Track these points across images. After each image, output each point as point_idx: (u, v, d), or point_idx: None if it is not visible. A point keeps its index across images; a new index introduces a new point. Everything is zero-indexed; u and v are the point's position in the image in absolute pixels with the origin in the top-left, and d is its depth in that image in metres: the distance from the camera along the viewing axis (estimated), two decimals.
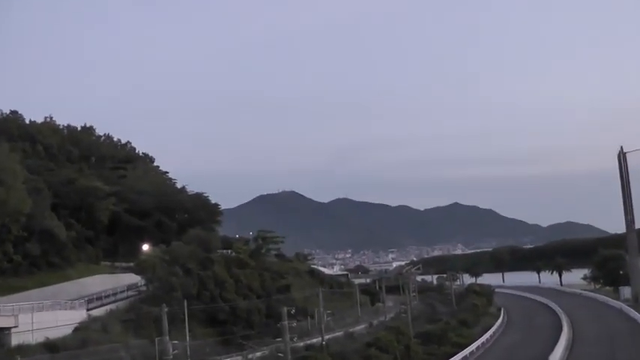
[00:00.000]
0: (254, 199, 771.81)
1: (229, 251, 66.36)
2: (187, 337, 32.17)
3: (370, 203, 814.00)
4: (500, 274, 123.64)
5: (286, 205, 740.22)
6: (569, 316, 47.98)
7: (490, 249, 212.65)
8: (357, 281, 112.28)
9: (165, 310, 25.40)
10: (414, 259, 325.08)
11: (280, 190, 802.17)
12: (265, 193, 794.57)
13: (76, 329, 34.27)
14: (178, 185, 79.43)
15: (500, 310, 58.87)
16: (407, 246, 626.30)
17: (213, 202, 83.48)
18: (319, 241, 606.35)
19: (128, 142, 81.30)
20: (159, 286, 44.99)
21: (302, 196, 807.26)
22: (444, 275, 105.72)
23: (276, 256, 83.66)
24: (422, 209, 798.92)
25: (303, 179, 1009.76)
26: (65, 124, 72.07)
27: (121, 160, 73.92)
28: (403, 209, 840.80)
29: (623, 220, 61.25)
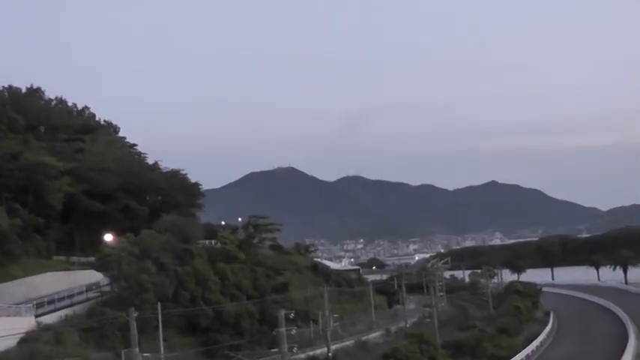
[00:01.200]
0: (243, 178, 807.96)
1: (213, 242, 66.70)
2: (162, 349, 30.80)
3: (387, 182, 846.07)
4: (549, 269, 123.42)
5: (284, 184, 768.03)
6: (638, 323, 46.73)
7: (536, 238, 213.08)
8: (370, 278, 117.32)
9: (135, 315, 24.13)
10: (442, 250, 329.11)
11: (276, 167, 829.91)
12: (257, 171, 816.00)
13: (21, 340, 31.91)
14: (150, 161, 79.09)
15: (548, 314, 58.22)
16: (432, 235, 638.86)
17: (192, 181, 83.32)
18: (324, 229, 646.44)
19: (86, 107, 79.58)
20: (126, 285, 44.25)
21: (303, 173, 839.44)
22: (479, 271, 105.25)
23: (271, 248, 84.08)
24: (450, 189, 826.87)
25: (304, 153, 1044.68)
26: (5, 85, 69.47)
27: (77, 131, 72.09)
28: (427, 190, 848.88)
29: None
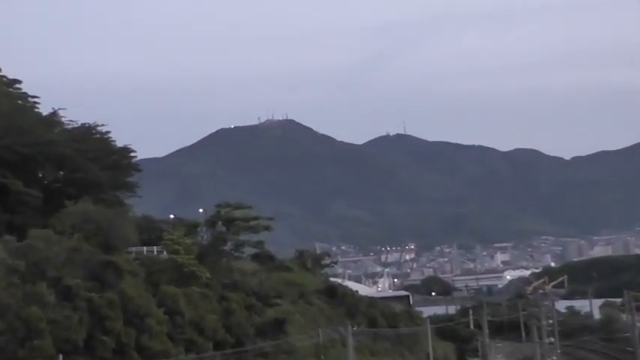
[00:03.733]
0: (207, 140, 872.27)
1: (156, 249, 68.42)
2: None
3: (451, 145, 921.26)
4: None
5: (277, 149, 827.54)
6: None
7: None
8: (428, 311, 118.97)
9: None
10: (551, 264, 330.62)
11: (263, 120, 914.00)
12: (231, 127, 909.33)
13: None
14: (44, 109, 77.91)
15: None
16: (533, 237, 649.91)
17: (120, 145, 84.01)
18: (347, 227, 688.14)
19: None
20: (3, 327, 42.76)
21: (308, 130, 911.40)
22: (617, 300, 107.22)
23: (255, 259, 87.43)
24: (566, 157, 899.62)
25: (310, 98, 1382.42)
26: None
27: None
28: (524, 157, 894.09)
29: None
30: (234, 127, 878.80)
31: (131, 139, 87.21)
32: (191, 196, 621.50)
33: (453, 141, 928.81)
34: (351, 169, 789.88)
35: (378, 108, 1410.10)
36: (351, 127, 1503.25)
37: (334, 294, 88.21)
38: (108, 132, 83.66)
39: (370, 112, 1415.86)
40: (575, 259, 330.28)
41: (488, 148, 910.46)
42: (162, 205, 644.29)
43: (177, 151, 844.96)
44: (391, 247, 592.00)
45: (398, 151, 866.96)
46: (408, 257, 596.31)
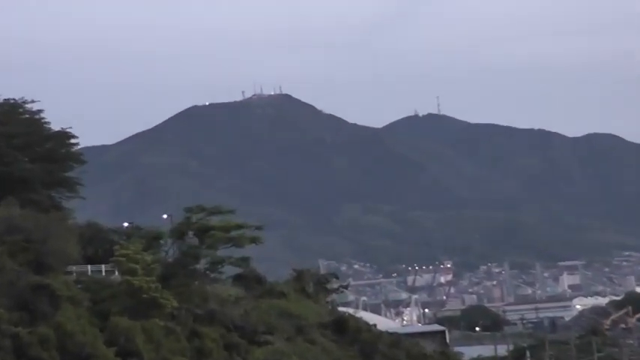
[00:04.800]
0: (175, 120, 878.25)
1: (105, 267, 69.49)
2: None
3: (502, 127, 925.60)
4: None
5: (268, 134, 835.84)
6: None
7: None
8: (470, 352, 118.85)
9: None
10: (638, 289, 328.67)
11: (249, 95, 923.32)
12: (206, 103, 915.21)
13: None
14: None
15: None
16: (613, 252, 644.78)
17: (56, 128, 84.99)
18: (362, 239, 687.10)
19: None
20: None
21: (310, 108, 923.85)
22: None
23: (237, 282, 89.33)
24: None
25: (312, 65, 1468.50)
26: None
27: None
28: (599, 143, 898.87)
29: None
30: (210, 105, 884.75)
31: (71, 121, 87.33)
32: (152, 197, 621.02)
33: (504, 123, 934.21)
34: (367, 162, 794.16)
35: (403, 79, 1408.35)
36: (367, 105, 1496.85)
37: (344, 329, 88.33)
38: (40, 111, 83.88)
39: (392, 84, 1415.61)
40: None
41: (552, 132, 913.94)
42: (114, 208, 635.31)
43: (134, 136, 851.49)
44: (420, 267, 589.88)
45: (429, 137, 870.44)
46: (443, 280, 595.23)
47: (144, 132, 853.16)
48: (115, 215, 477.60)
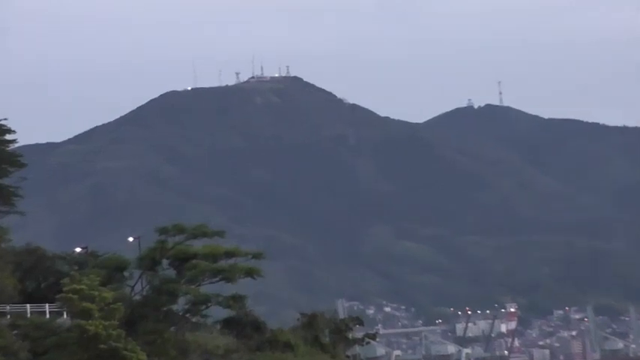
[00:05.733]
0: (146, 108, 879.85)
1: (50, 307, 69.89)
2: None
3: (586, 124, 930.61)
4: None
5: (270, 129, 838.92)
6: None
7: None
8: None
9: None
10: None
11: (245, 78, 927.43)
12: (186, 88, 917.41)
13: None
14: None
15: None
16: None
17: None
18: (397, 272, 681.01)
19: None
20: None
21: (327, 95, 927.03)
22: None
23: (227, 327, 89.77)
24: None
25: (330, 41, 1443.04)
26: None
27: None
28: None
29: None
30: (193, 90, 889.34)
31: (6, 112, 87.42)
32: (114, 213, 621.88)
33: (588, 119, 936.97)
34: (403, 169, 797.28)
35: (451, 58, 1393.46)
36: (404, 92, 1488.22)
37: None
38: None
39: (436, 65, 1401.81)
40: None
41: None
42: (62, 228, 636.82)
43: (90, 131, 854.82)
44: (474, 311, 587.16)
45: (487, 137, 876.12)
46: (504, 328, 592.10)
47: (104, 126, 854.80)
48: (63, 237, 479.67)
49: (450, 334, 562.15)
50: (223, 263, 78.83)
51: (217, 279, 78.16)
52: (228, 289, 79.96)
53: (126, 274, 77.11)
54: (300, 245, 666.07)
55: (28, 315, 68.75)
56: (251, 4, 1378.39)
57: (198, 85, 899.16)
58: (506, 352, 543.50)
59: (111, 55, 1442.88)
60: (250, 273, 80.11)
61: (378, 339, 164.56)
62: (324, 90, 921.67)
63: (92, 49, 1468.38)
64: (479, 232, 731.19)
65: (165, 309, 73.77)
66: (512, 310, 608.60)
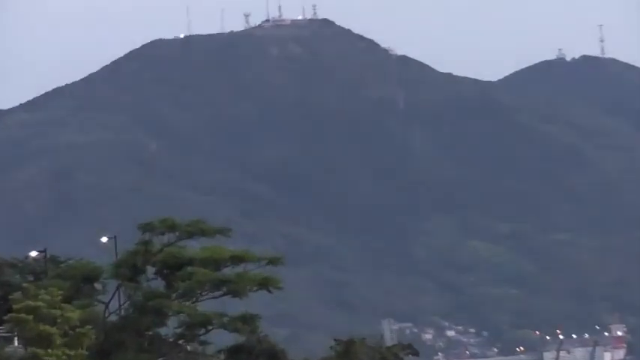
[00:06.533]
0: (123, 62, 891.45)
1: None
2: None
3: None
4: None
5: (291, 89, 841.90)
6: None
7: None
8: None
9: None
10: None
11: (258, 21, 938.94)
12: (178, 36, 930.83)
13: None
14: None
15: None
16: None
17: None
18: (461, 283, 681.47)
19: None
20: None
21: (369, 43, 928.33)
22: None
23: (232, 357, 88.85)
24: None
25: None
26: None
27: None
28: None
29: None
30: (186, 38, 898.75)
31: None
32: (80, 203, 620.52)
33: None
34: (472, 142, 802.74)
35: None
36: (471, 43, 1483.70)
37: None
38: None
39: (514, 9, 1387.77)
40: None
41: None
42: (11, 223, 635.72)
43: (48, 94, 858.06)
44: (568, 334, 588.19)
45: (584, 98, 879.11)
46: (609, 358, 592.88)
47: (67, 87, 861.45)
48: (13, 237, 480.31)
49: None
50: (228, 272, 79.15)
51: (221, 293, 78.14)
52: (235, 306, 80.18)
53: (98, 286, 77.25)
54: (332, 246, 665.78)
55: None
56: None
57: (194, 32, 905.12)
58: None
59: None
60: (265, 284, 80.00)
61: None
62: (363, 37, 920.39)
63: None
64: (574, 227, 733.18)
65: (150, 333, 74.01)
66: (620, 333, 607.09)
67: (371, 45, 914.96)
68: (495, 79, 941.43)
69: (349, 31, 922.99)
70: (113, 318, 75.35)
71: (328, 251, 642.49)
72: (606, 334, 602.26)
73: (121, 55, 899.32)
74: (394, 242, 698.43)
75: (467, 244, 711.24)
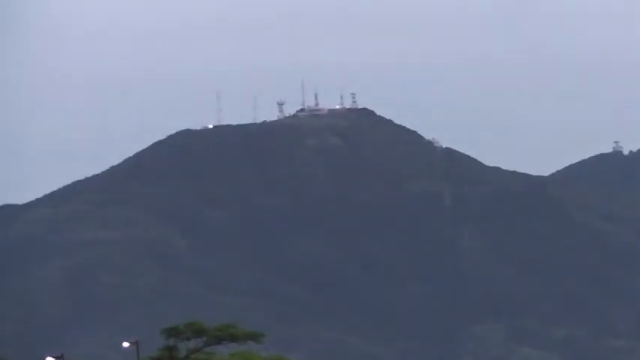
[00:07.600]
0: (148, 153, 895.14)
1: None
2: None
3: None
4: None
5: (331, 183, 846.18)
6: None
7: None
8: None
9: None
10: None
11: (296, 110, 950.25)
12: (207, 126, 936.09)
13: None
14: None
15: None
16: None
17: None
18: None
19: None
20: None
21: (412, 135, 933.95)
22: None
23: None
24: None
25: (414, 66, 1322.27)
26: None
27: None
28: None
29: None
30: (215, 128, 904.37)
31: None
32: (99, 305, 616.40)
33: None
34: (522, 241, 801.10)
35: (587, 88, 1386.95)
36: (520, 136, 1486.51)
37: None
38: None
39: (566, 99, 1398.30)
40: None
41: None
42: (27, 325, 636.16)
43: (67, 188, 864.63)
44: None
45: None
46: None
47: (87, 181, 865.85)
48: (28, 339, 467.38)
49: None
50: None
51: None
52: None
53: None
54: (377, 353, 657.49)
55: None
56: (297, 16, 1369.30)
57: (224, 122, 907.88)
58: None
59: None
60: None
61: None
62: (405, 127, 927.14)
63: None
64: (632, 333, 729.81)
65: None
66: None
67: (414, 136, 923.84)
68: (547, 174, 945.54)
69: (390, 121, 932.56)
70: None
71: (369, 357, 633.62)
72: None
73: (145, 146, 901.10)
74: (441, 348, 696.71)
75: (517, 351, 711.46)
